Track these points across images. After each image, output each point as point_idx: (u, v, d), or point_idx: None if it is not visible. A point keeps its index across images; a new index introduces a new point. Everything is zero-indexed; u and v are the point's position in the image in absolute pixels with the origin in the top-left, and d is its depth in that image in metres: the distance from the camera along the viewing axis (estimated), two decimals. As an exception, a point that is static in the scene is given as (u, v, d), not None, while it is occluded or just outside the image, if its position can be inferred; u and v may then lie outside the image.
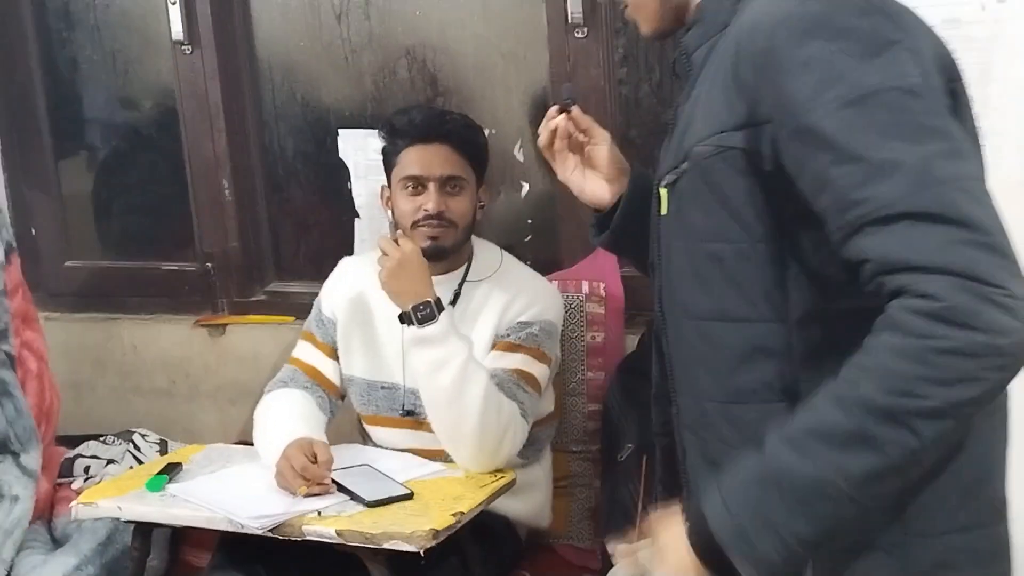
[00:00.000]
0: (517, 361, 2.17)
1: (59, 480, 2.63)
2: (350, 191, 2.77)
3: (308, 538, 1.92)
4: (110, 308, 3.08)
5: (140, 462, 2.65)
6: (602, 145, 1.62)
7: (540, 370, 2.20)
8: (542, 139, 1.63)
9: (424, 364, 2.09)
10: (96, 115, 3.18)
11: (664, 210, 1.37)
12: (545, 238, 2.70)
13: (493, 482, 2.10)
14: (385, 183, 2.30)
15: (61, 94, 3.13)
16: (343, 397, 2.37)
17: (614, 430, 2.40)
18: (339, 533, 1.89)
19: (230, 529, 1.98)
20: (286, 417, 2.21)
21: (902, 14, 1.20)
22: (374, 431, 2.34)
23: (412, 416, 2.25)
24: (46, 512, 2.55)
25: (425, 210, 2.18)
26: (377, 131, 2.31)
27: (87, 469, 2.65)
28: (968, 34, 1.91)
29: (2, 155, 3.11)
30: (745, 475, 1.16)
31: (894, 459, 1.07)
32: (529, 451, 2.25)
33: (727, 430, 1.31)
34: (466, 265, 2.28)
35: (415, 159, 2.21)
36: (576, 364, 2.45)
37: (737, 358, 1.28)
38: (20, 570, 2.33)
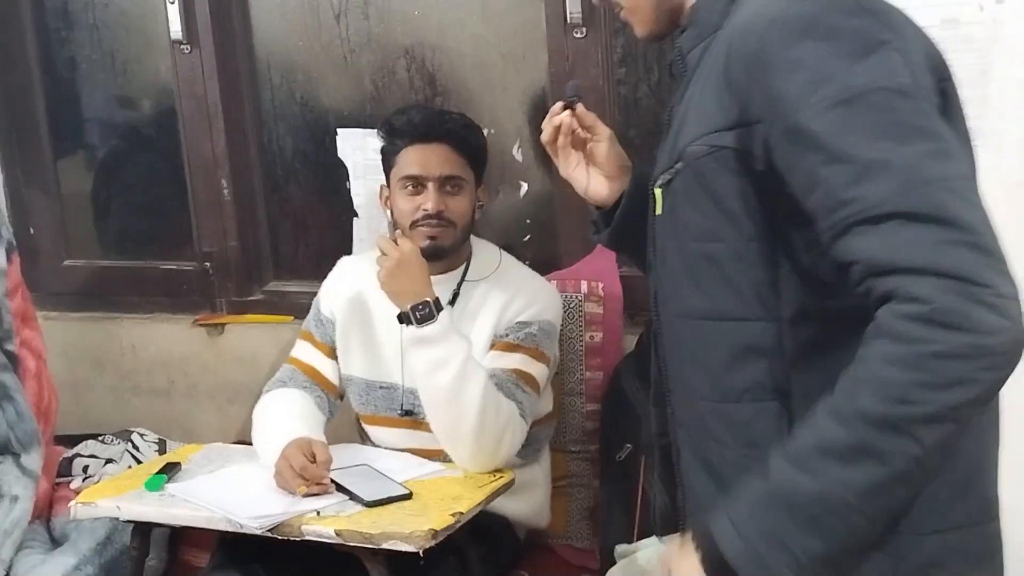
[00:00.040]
0: (516, 361, 2.17)
1: (58, 480, 2.63)
2: (349, 191, 2.77)
3: (307, 538, 1.92)
4: (109, 307, 3.08)
5: (139, 461, 2.65)
6: (605, 142, 1.62)
7: (539, 370, 2.20)
8: (545, 135, 1.63)
9: (423, 364, 2.09)
10: (95, 114, 3.18)
11: (659, 210, 1.37)
12: (544, 238, 2.70)
13: (492, 482, 2.10)
14: (384, 183, 2.30)
15: (60, 93, 3.13)
16: (342, 397, 2.37)
17: (613, 430, 2.40)
18: (338, 533, 1.89)
19: (229, 529, 1.98)
20: (285, 417, 2.21)
21: (891, 14, 1.21)
22: (373, 431, 2.34)
23: (411, 416, 2.25)
24: (45, 511, 2.54)
25: (424, 210, 2.18)
26: (376, 131, 2.31)
27: (86, 468, 2.66)
28: (967, 34, 1.91)
29: (1, 154, 3.11)
30: (753, 497, 1.16)
31: (898, 468, 1.07)
32: (528, 451, 2.25)
33: (720, 429, 1.31)
34: (465, 265, 2.28)
35: (414, 159, 2.21)
36: (575, 364, 2.45)
37: (729, 357, 1.29)
38: (19, 569, 2.33)
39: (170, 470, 2.18)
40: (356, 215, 2.76)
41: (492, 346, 2.20)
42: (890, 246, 1.07)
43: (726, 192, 1.24)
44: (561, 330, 2.33)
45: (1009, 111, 1.92)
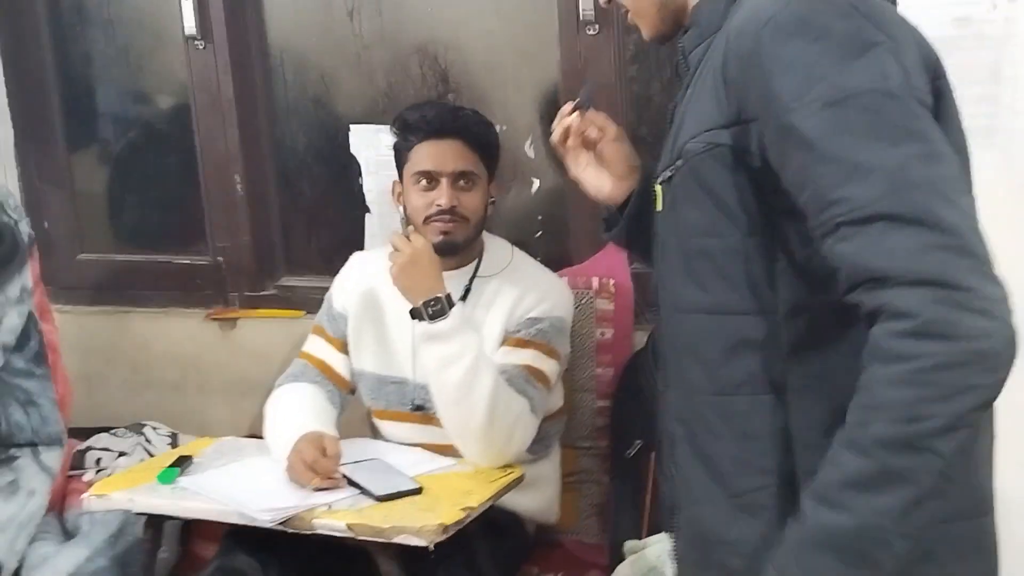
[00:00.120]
0: (527, 357, 2.18)
1: (70, 472, 2.64)
2: (361, 186, 2.78)
3: (318, 531, 1.93)
4: (122, 302, 3.09)
5: (151, 455, 2.66)
6: (614, 142, 1.63)
7: (550, 366, 2.20)
8: (555, 136, 1.64)
9: (434, 360, 2.10)
10: (109, 110, 3.19)
11: (660, 206, 1.39)
12: (555, 234, 2.71)
13: (502, 477, 2.10)
14: (396, 178, 2.31)
15: (74, 89, 3.13)
16: (353, 391, 2.38)
17: (623, 426, 2.41)
18: (349, 527, 1.90)
19: (241, 522, 1.99)
20: (296, 411, 2.22)
21: (885, 15, 1.22)
22: (383, 425, 2.35)
23: (421, 411, 2.26)
24: (58, 504, 2.55)
25: (437, 205, 2.19)
26: (389, 127, 2.32)
27: (98, 461, 2.66)
28: (979, 32, 1.91)
29: (16, 149, 3.12)
30: (795, 546, 1.15)
31: (926, 484, 1.08)
32: (538, 447, 2.25)
33: (716, 422, 1.32)
34: (477, 261, 2.29)
35: (428, 154, 2.22)
36: (585, 360, 2.46)
37: (726, 350, 1.29)
38: (31, 561, 2.34)
39: (182, 463, 2.19)
40: (368, 211, 2.77)
41: (503, 342, 2.20)
42: (874, 251, 1.08)
43: (723, 188, 1.26)
44: (572, 326, 2.33)
45: (1021, 109, 1.91)
